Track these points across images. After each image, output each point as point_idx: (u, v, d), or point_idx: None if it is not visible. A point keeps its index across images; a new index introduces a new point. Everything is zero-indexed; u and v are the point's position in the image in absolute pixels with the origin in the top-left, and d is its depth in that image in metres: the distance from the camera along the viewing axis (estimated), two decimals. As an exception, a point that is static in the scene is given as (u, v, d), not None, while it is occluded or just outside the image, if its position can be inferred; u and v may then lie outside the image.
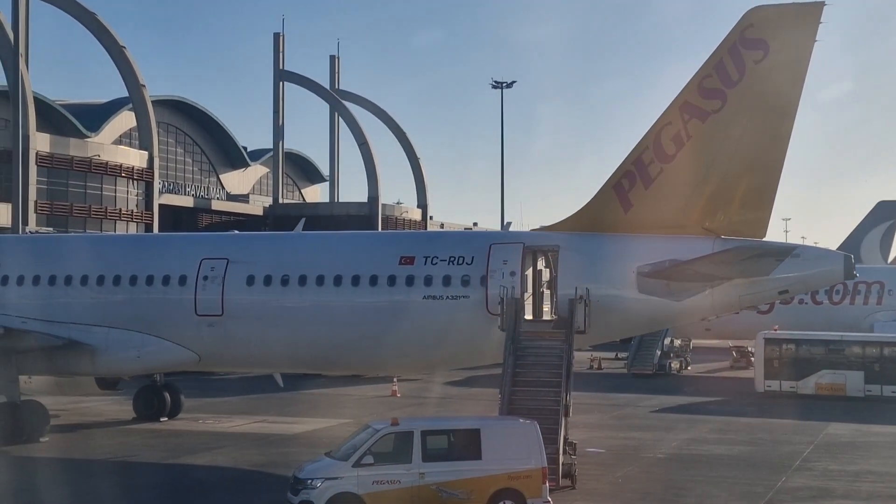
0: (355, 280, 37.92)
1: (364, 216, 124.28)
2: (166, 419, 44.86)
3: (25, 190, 71.85)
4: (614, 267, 36.25)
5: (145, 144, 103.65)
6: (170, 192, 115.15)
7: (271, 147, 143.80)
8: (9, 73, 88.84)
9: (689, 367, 70.67)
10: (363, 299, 37.78)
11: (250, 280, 38.71)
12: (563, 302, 35.65)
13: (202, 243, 42.69)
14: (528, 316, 36.27)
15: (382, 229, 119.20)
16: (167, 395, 45.41)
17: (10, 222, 75.93)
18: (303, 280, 38.39)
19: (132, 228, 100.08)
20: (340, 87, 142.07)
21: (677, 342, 69.62)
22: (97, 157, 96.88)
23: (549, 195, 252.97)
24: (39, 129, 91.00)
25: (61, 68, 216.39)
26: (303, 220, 46.01)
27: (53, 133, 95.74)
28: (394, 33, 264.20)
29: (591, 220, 37.06)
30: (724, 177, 35.10)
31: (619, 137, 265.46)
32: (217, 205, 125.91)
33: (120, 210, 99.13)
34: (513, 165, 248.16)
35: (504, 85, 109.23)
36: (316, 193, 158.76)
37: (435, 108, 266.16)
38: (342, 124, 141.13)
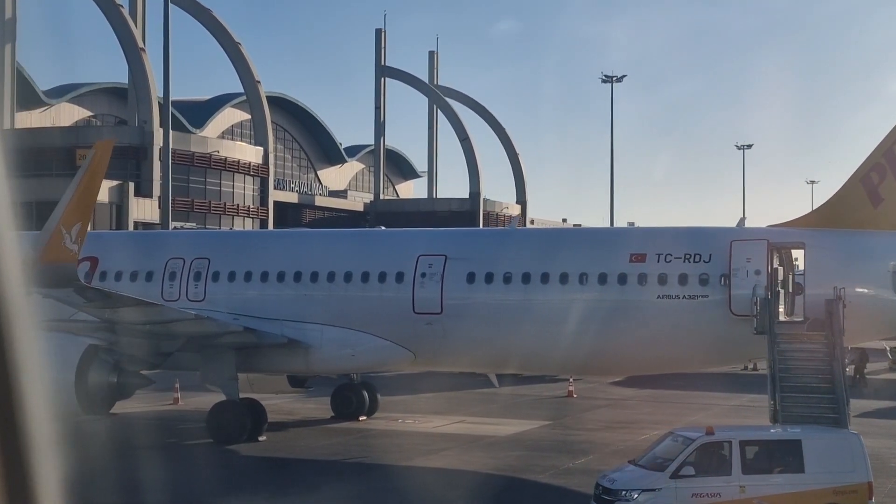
0: (582, 278, 36.41)
1: (465, 212, 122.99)
2: (365, 418, 43.62)
3: (166, 186, 71.29)
4: (868, 265, 34.60)
5: (260, 140, 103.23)
6: (275, 188, 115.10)
7: (365, 143, 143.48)
8: (135, 70, 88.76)
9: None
10: (592, 298, 36.25)
11: (471, 277, 37.35)
12: (812, 302, 33.84)
13: (418, 240, 41.41)
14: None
15: (483, 226, 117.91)
16: (365, 394, 44.18)
17: (158, 218, 75.79)
18: (526, 278, 36.91)
19: (248, 224, 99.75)
20: (439, 83, 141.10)
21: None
22: (216, 153, 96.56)
23: (637, 192, 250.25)
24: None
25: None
26: (517, 216, 44.60)
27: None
28: (483, 28, 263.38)
29: (836, 216, 35.43)
30: None
31: (715, 133, 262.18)
32: (320, 201, 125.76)
33: (238, 206, 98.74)
34: (594, 161, 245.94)
35: (614, 79, 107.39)
36: (409, 189, 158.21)
37: (523, 102, 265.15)
38: (439, 120, 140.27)
